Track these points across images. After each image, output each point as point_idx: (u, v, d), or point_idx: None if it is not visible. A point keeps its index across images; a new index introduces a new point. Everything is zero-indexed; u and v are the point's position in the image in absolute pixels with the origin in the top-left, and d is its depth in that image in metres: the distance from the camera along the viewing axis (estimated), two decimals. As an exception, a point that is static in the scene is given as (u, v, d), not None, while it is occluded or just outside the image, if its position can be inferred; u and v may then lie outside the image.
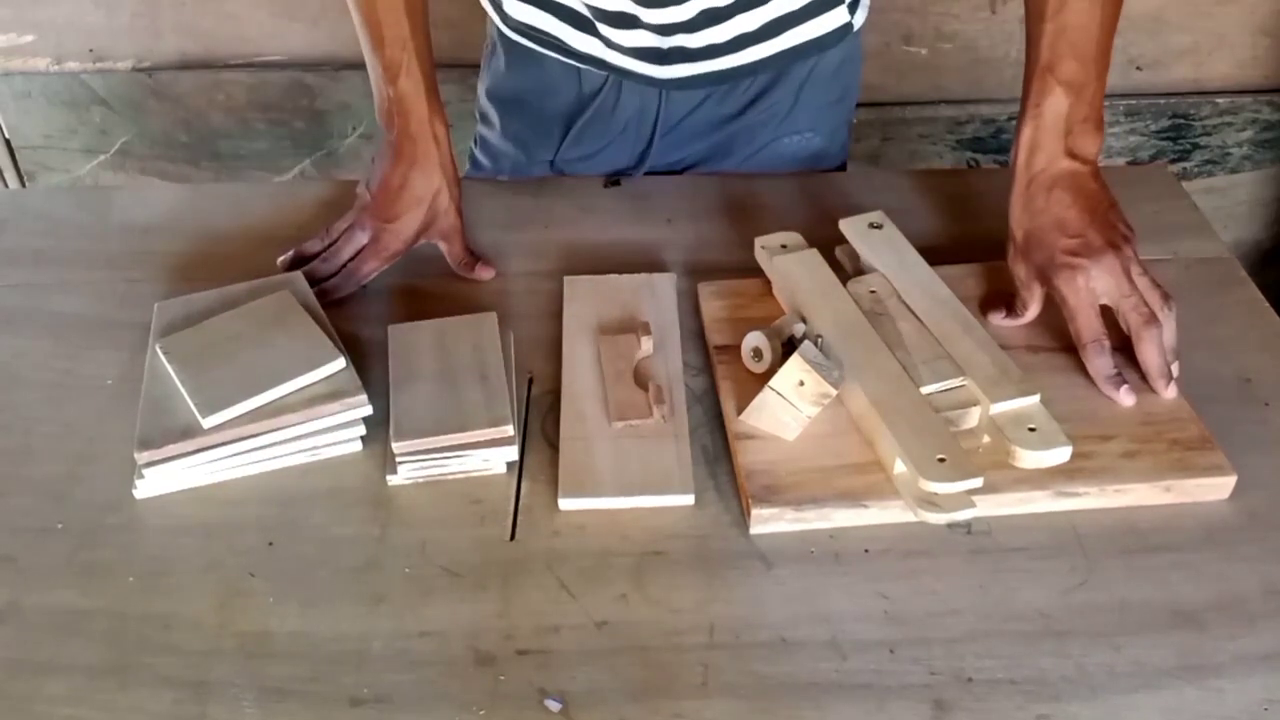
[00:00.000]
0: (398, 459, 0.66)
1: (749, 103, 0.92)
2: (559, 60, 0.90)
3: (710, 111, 0.92)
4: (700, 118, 0.92)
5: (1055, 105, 0.72)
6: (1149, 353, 0.69)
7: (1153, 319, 0.69)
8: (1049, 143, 0.72)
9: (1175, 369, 0.70)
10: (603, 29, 0.85)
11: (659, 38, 0.84)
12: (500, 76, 0.95)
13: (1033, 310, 0.74)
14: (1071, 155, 0.72)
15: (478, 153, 1.01)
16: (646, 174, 0.95)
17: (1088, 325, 0.69)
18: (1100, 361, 0.69)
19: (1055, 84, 0.71)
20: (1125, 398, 0.68)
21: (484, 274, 0.81)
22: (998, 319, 0.74)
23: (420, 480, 0.66)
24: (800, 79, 0.91)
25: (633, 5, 0.81)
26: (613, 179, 0.91)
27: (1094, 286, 0.70)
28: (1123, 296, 0.70)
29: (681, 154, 0.95)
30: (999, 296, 0.76)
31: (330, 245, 0.80)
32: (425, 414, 0.67)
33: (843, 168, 1.01)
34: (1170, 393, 0.69)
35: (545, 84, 0.92)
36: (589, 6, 0.83)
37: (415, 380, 0.69)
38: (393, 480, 0.66)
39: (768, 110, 0.92)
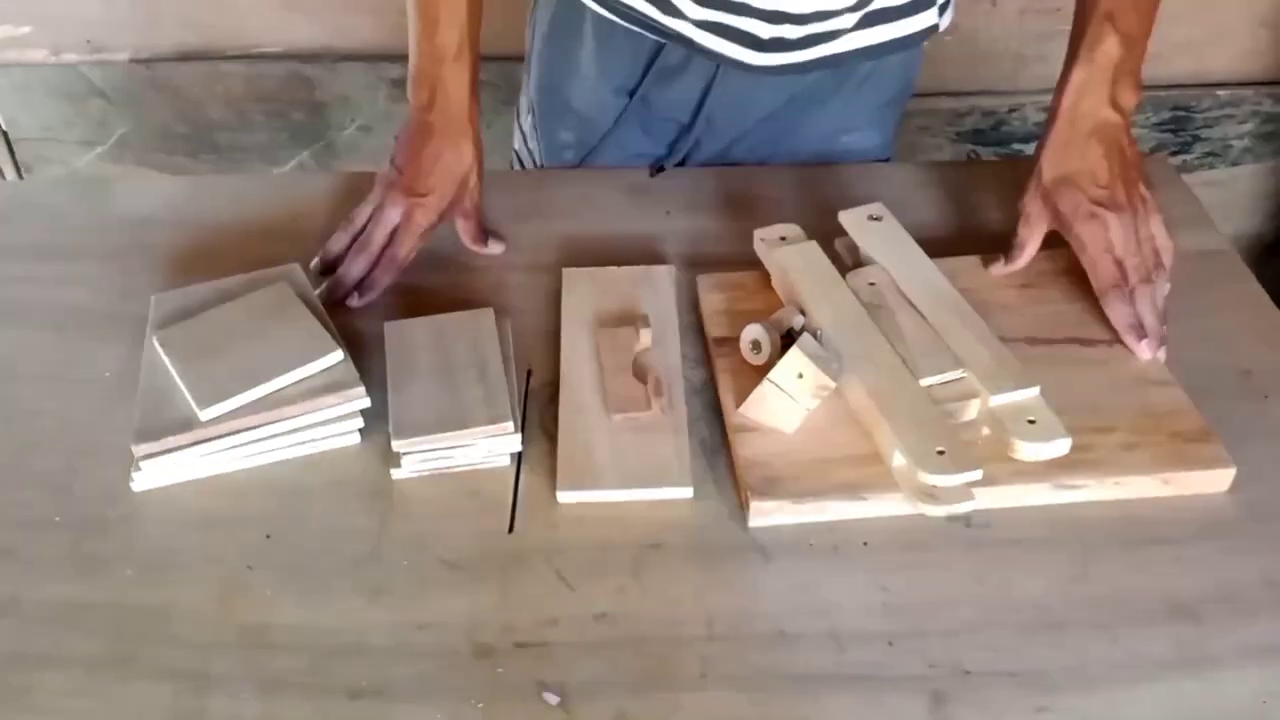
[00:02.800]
0: (401, 455, 0.66)
1: (811, 97, 0.90)
2: (640, 34, 0.86)
3: (769, 100, 0.90)
4: (756, 106, 0.91)
5: (1110, 52, 0.73)
6: (1145, 309, 0.71)
7: (1148, 279, 0.72)
8: (1098, 89, 0.74)
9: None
10: (698, 11, 0.82)
11: (766, 25, 0.82)
12: (558, 57, 0.92)
13: (1029, 251, 0.76)
14: (1115, 106, 0.74)
15: (521, 147, 1.00)
16: (701, 164, 0.93)
17: (1108, 272, 0.72)
18: (1123, 308, 0.71)
19: (1113, 31, 0.73)
20: (1145, 349, 0.70)
21: (495, 249, 0.82)
22: (998, 269, 0.77)
23: (424, 474, 0.66)
24: (863, 75, 0.90)
25: None
26: (657, 167, 0.91)
27: (1112, 238, 0.72)
28: (1129, 254, 0.72)
29: (727, 143, 0.93)
30: (999, 247, 0.78)
31: (359, 235, 0.79)
32: (425, 411, 0.67)
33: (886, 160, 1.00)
34: (1161, 355, 0.71)
35: (612, 56, 0.89)
36: None
37: (414, 377, 0.69)
38: (397, 474, 0.66)
39: (825, 105, 0.91)
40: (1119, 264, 0.72)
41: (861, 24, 0.84)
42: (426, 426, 0.66)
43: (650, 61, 0.89)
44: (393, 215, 0.78)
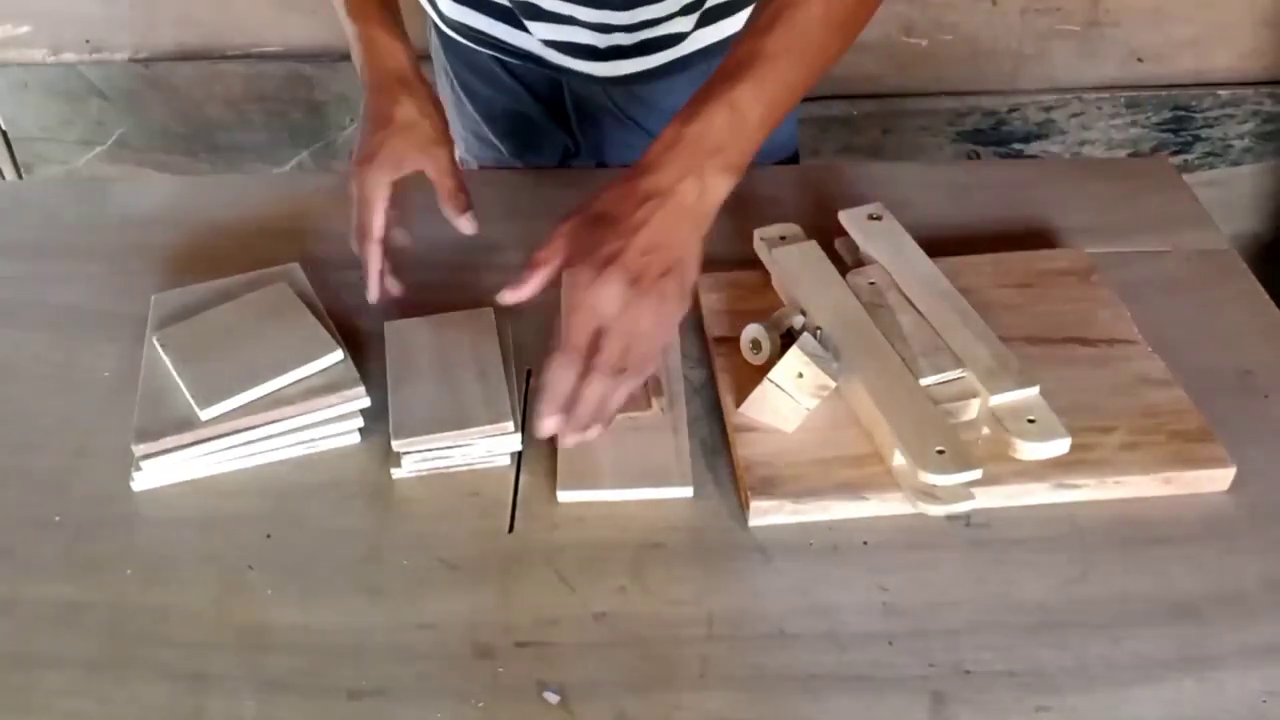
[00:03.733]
0: (400, 455, 0.66)
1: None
2: (495, 58, 0.90)
3: (653, 114, 0.91)
4: (650, 110, 0.92)
5: (725, 109, 0.62)
6: (590, 394, 0.60)
7: (616, 372, 0.61)
8: (686, 152, 0.62)
9: None
10: (535, 27, 0.84)
11: (596, 34, 0.84)
12: (448, 84, 0.96)
13: (540, 277, 0.64)
14: (698, 178, 0.61)
15: None
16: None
17: (574, 331, 0.61)
18: (564, 375, 0.60)
19: (746, 80, 0.62)
20: (544, 426, 0.60)
21: (466, 227, 0.74)
22: (504, 297, 0.64)
23: (424, 473, 0.66)
24: None
25: (570, 5, 0.81)
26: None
27: (604, 305, 0.60)
28: (614, 333, 0.60)
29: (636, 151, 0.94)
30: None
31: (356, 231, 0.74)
32: (424, 411, 0.67)
33: (795, 158, 1.00)
34: (571, 440, 0.61)
35: (483, 81, 0.93)
36: (519, 4, 0.83)
37: (414, 377, 0.69)
38: (397, 474, 0.66)
39: None
40: (597, 333, 0.59)
41: (702, 22, 0.84)
42: (426, 426, 0.65)
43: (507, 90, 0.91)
44: (354, 190, 0.72)
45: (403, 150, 0.71)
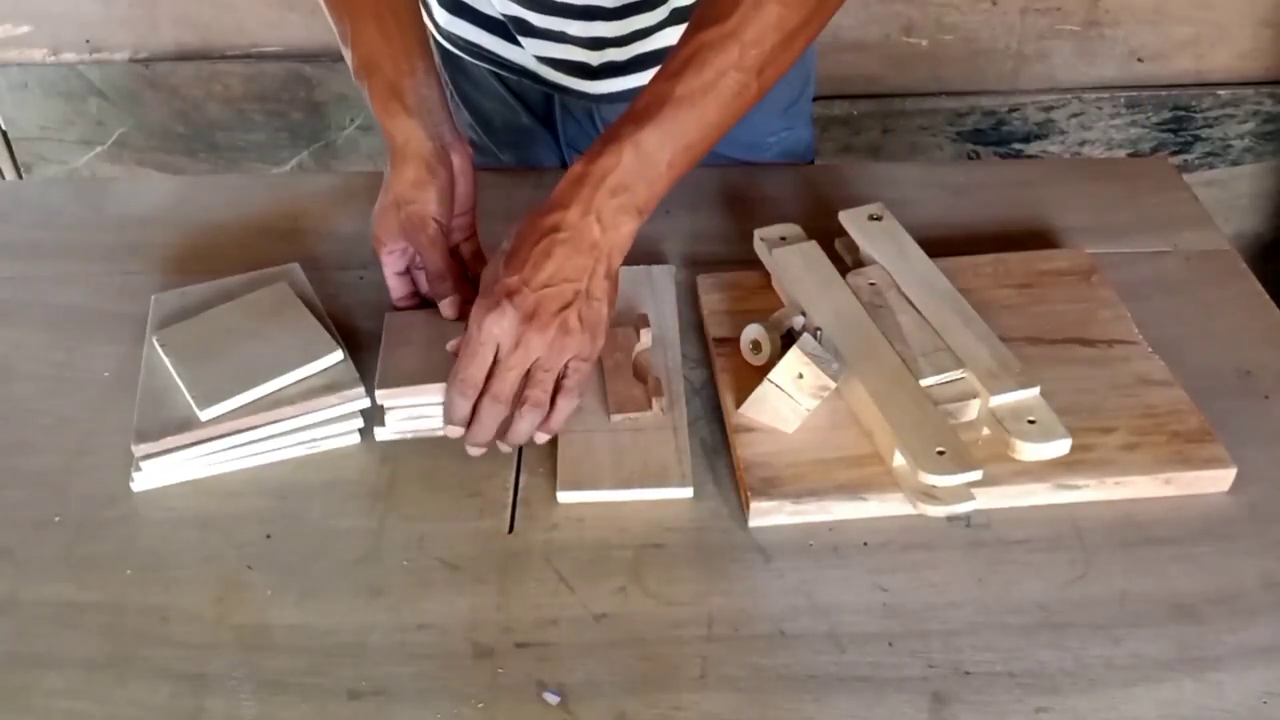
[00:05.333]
0: (385, 411, 0.65)
1: None
2: (492, 71, 0.91)
3: None
4: None
5: (629, 148, 0.62)
6: (486, 414, 0.63)
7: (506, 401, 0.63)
8: (588, 189, 0.62)
9: None
10: (528, 43, 0.84)
11: (589, 52, 0.84)
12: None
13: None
14: (596, 218, 0.62)
15: None
16: None
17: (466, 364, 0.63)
18: (460, 403, 0.63)
19: (647, 122, 0.62)
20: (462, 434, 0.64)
21: (445, 310, 0.71)
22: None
23: (408, 435, 0.66)
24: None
25: (561, 20, 0.81)
26: None
27: (500, 335, 0.63)
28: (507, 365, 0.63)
29: None
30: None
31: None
32: (411, 369, 0.66)
33: (810, 161, 1.01)
34: (474, 452, 0.64)
35: (481, 93, 0.93)
36: (511, 19, 0.83)
37: (405, 344, 0.69)
38: (381, 434, 0.66)
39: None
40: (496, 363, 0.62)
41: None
42: (412, 379, 0.65)
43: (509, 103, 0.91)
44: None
45: (403, 237, 0.72)
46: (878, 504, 0.63)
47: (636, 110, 0.62)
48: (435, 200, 0.71)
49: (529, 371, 0.63)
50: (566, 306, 0.62)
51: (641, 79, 0.85)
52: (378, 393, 0.65)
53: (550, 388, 0.63)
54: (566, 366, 0.63)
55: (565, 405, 0.64)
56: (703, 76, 0.61)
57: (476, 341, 0.61)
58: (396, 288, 0.74)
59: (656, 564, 0.61)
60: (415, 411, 0.66)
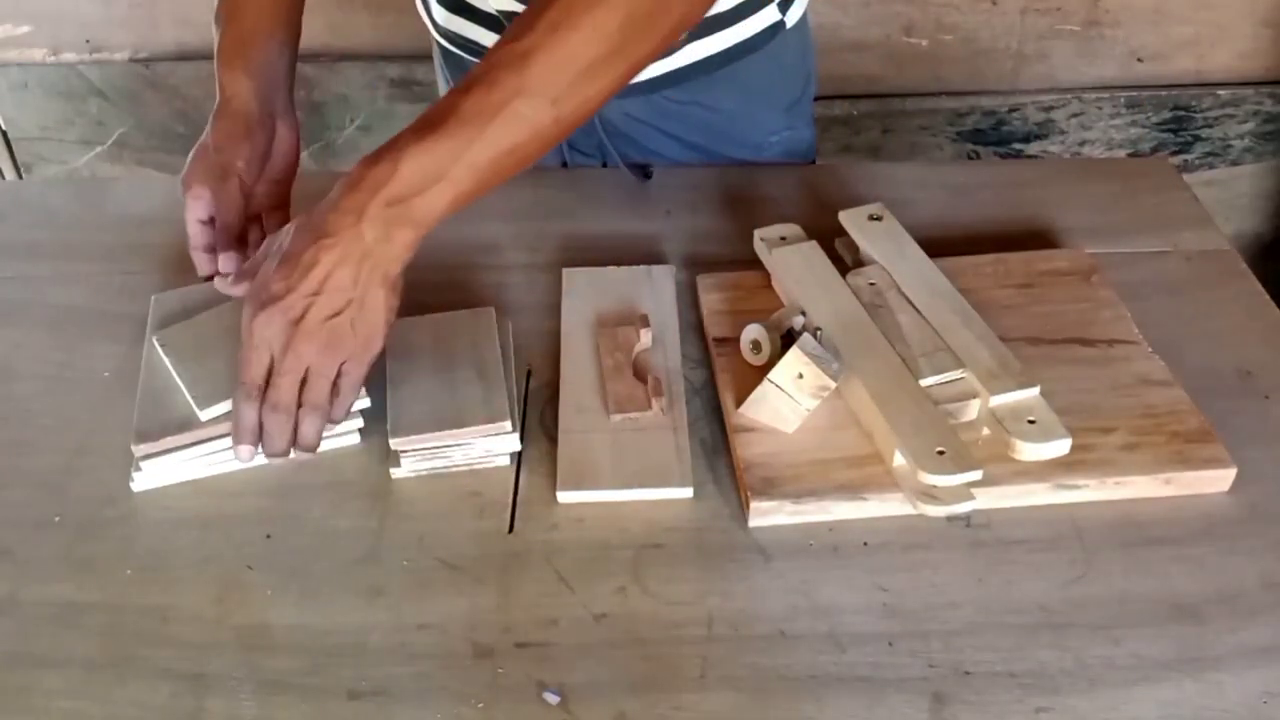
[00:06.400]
0: (399, 454, 0.66)
1: (702, 110, 0.90)
2: None
3: (663, 123, 0.91)
4: (654, 129, 0.91)
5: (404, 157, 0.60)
6: (272, 419, 0.63)
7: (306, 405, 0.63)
8: (357, 195, 0.60)
9: None
10: None
11: None
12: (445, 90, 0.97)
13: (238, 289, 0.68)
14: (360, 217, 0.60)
15: None
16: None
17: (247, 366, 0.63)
18: (246, 409, 0.62)
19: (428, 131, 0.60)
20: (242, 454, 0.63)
21: (223, 264, 0.72)
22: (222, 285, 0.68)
23: (423, 473, 0.66)
24: (757, 86, 0.90)
25: None
26: (645, 172, 0.90)
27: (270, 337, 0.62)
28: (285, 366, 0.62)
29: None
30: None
31: None
32: (423, 410, 0.66)
33: (811, 161, 1.01)
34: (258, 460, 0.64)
35: None
36: (507, 14, 0.83)
37: (413, 376, 0.69)
38: (396, 474, 0.66)
39: (734, 121, 0.91)
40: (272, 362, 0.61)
41: (694, 35, 0.84)
42: (424, 425, 0.65)
43: None
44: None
45: (199, 172, 0.73)
46: (878, 504, 0.63)
47: (425, 118, 0.60)
48: (244, 157, 0.72)
49: (305, 376, 0.61)
50: (336, 314, 0.60)
51: (640, 75, 0.86)
52: (392, 441, 0.65)
53: (327, 390, 0.62)
54: (340, 369, 0.62)
55: (339, 406, 0.63)
56: (490, 97, 0.58)
57: (249, 346, 0.61)
58: (195, 235, 0.74)
59: (656, 564, 0.61)
60: (429, 453, 0.66)
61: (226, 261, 0.72)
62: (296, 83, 0.82)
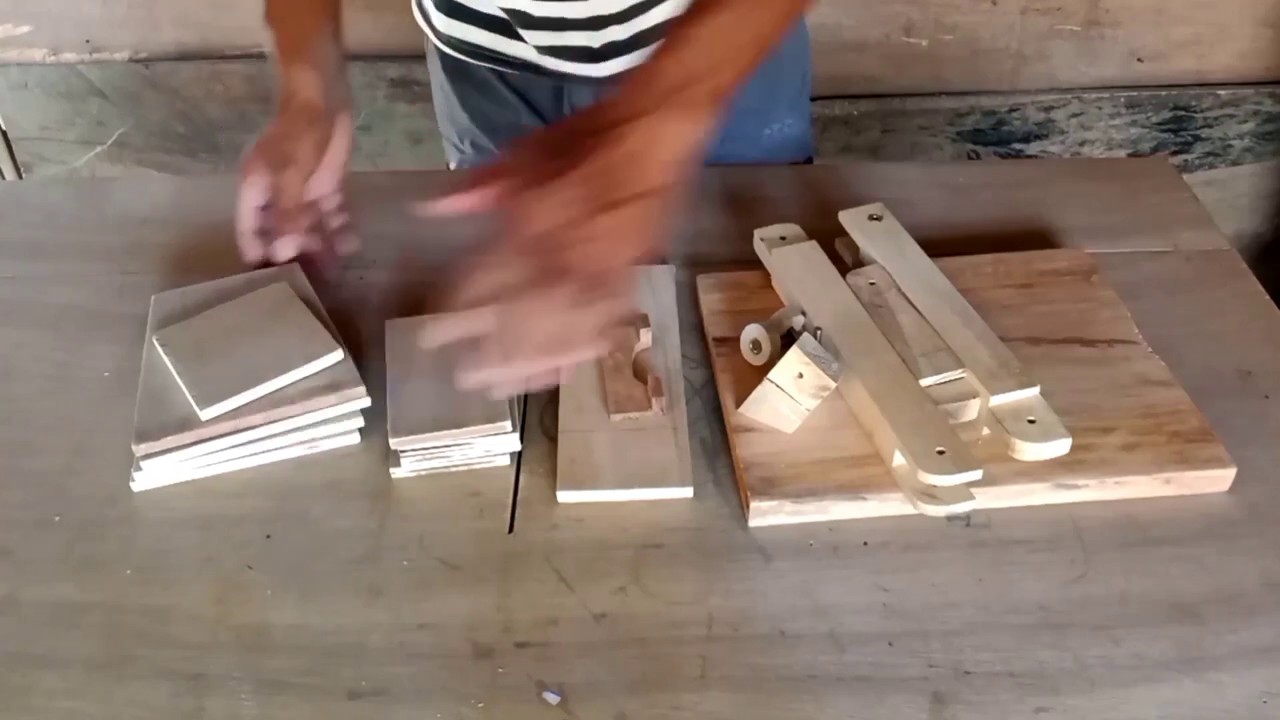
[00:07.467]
0: (399, 454, 0.66)
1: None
2: (493, 70, 0.91)
3: None
4: None
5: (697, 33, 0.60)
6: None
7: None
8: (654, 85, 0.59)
9: None
10: (529, 35, 0.84)
11: (590, 34, 0.84)
12: (445, 97, 0.96)
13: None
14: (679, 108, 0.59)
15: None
16: None
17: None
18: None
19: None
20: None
21: (285, 250, 0.75)
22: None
23: (423, 473, 0.66)
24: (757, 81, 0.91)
25: (560, 5, 0.81)
26: None
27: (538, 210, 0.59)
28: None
29: None
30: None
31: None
32: (423, 410, 0.66)
33: (809, 160, 1.01)
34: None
35: (482, 95, 0.94)
36: (511, 12, 0.83)
37: (412, 376, 0.69)
38: (396, 474, 0.66)
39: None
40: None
41: None
42: (424, 425, 0.65)
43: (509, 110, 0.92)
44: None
45: (261, 162, 0.74)
46: (878, 504, 0.63)
47: (693, 10, 0.59)
48: (309, 146, 0.75)
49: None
50: (638, 199, 0.55)
51: (644, 57, 0.86)
52: (392, 441, 0.65)
53: (611, 279, 0.56)
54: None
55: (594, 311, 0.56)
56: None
57: (530, 215, 0.56)
58: (246, 217, 0.75)
59: (656, 564, 0.61)
60: (430, 453, 0.66)
61: (285, 246, 0.75)
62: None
